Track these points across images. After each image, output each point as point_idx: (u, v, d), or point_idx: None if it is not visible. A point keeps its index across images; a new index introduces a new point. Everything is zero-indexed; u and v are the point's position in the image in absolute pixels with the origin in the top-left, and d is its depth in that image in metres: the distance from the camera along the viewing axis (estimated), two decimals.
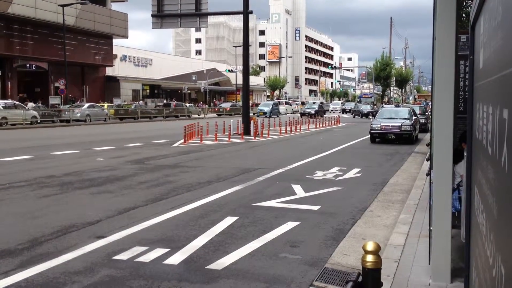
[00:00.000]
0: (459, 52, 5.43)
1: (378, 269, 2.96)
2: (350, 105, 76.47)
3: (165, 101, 61.33)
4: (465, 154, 4.20)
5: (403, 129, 21.43)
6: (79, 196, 9.56)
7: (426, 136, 23.01)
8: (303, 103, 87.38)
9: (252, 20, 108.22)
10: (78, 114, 38.81)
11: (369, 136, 22.43)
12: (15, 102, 36.35)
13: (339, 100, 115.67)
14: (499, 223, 1.65)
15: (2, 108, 32.79)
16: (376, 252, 2.95)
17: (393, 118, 22.73)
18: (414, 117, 23.08)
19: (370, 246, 2.96)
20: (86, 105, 41.49)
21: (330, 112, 68.35)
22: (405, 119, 22.45)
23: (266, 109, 55.10)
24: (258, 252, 6.06)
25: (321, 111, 53.15)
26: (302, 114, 51.03)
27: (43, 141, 21.96)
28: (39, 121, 35.26)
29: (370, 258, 2.93)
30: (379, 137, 21.89)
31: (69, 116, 37.94)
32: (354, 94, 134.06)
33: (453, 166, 5.42)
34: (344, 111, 72.27)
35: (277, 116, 50.70)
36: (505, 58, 1.54)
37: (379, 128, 21.82)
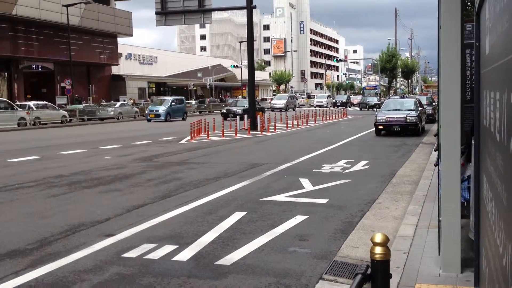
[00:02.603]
0: (465, 41, 5.38)
1: (387, 260, 2.92)
2: (342, 98, 67.66)
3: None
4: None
5: (408, 120, 21.04)
6: (87, 195, 9.58)
7: (434, 127, 22.87)
8: (309, 97, 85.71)
9: (256, 15, 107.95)
10: (112, 113, 41.16)
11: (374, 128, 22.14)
12: (46, 102, 37.95)
13: (345, 93, 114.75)
14: (508, 210, 1.62)
15: (35, 109, 34.44)
16: (385, 243, 2.92)
17: (399, 110, 22.32)
18: (419, 108, 22.68)
19: (378, 238, 2.93)
20: (118, 103, 44.21)
21: (315, 106, 61.49)
22: (411, 110, 22.04)
23: (161, 110, 38.10)
24: (267, 247, 6.05)
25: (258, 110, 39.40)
26: (225, 115, 38.44)
27: (58, 140, 22.01)
28: (68, 120, 37.04)
29: (378, 250, 2.90)
30: (384, 129, 21.52)
31: (102, 114, 40.73)
32: (360, 86, 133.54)
33: (466, 160, 5.37)
34: (335, 105, 61.62)
35: (183, 119, 38.84)
36: (511, 41, 1.50)
37: (384, 120, 21.40)
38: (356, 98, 75.31)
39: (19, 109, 33.33)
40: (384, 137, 21.01)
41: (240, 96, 67.87)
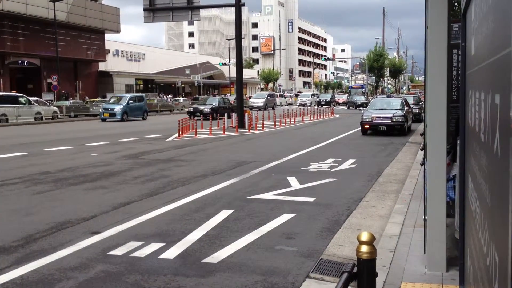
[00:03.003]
0: (451, 41, 5.42)
1: (373, 259, 2.94)
2: (326, 97, 63.90)
3: (158, 96, 61.29)
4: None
5: (394, 120, 20.88)
6: (73, 192, 9.51)
7: (420, 126, 23.00)
8: (297, 95, 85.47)
9: (244, 13, 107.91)
10: None
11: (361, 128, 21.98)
12: (37, 98, 38.24)
13: (333, 91, 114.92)
14: (492, 210, 1.63)
15: (36, 104, 34.81)
16: (371, 242, 2.94)
17: (385, 109, 22.14)
18: (406, 108, 22.50)
19: (364, 237, 2.95)
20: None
21: (298, 105, 59.25)
22: (397, 109, 21.84)
23: (117, 109, 34.44)
24: (254, 245, 6.06)
25: (224, 108, 34.93)
26: (192, 114, 34.52)
27: (45, 137, 21.82)
28: (59, 116, 36.78)
29: (364, 248, 2.92)
30: (370, 129, 21.34)
31: (96, 111, 40.46)
32: (347, 85, 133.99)
33: (451, 159, 5.41)
34: (319, 104, 57.85)
35: (143, 118, 36.35)
36: (496, 43, 1.52)
37: (370, 119, 21.23)
38: (341, 97, 73.58)
39: (35, 104, 34.59)
40: (371, 136, 21.09)
41: (230, 94, 67.24)
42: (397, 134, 20.73)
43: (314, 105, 55.15)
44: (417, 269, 4.95)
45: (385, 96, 33.24)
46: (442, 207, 4.82)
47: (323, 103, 58.45)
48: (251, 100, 54.90)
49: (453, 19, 5.89)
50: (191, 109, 36.65)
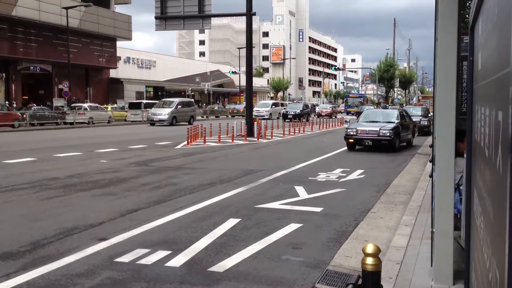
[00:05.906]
0: (461, 53, 5.41)
1: (378, 271, 2.95)
2: (296, 108, 47.79)
3: None
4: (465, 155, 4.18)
5: (381, 134, 18.16)
6: (82, 198, 9.56)
7: (427, 140, 22.80)
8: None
9: (255, 22, 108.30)
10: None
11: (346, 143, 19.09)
12: (97, 105, 43.26)
13: (342, 101, 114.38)
14: (495, 226, 1.64)
15: (89, 110, 40.07)
16: (376, 254, 2.94)
17: (375, 122, 19.64)
18: (398, 121, 19.49)
19: (369, 249, 2.95)
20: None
21: (254, 117, 40.17)
22: (388, 122, 19.14)
23: None
24: (260, 254, 6.05)
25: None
26: None
27: (54, 142, 21.96)
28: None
29: (369, 260, 2.92)
30: (355, 143, 18.81)
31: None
32: (358, 95, 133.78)
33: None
34: (285, 117, 43.37)
35: None
36: (500, 60, 1.53)
37: (354, 133, 18.63)
38: (324, 108, 61.57)
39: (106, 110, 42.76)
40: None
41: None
42: (384, 151, 18.24)
43: (278, 118, 43.36)
44: (423, 282, 4.92)
45: (388, 106, 32.13)
46: (449, 220, 4.80)
47: (291, 116, 43.38)
48: (151, 110, 39.18)
49: (463, 31, 5.90)
50: None
